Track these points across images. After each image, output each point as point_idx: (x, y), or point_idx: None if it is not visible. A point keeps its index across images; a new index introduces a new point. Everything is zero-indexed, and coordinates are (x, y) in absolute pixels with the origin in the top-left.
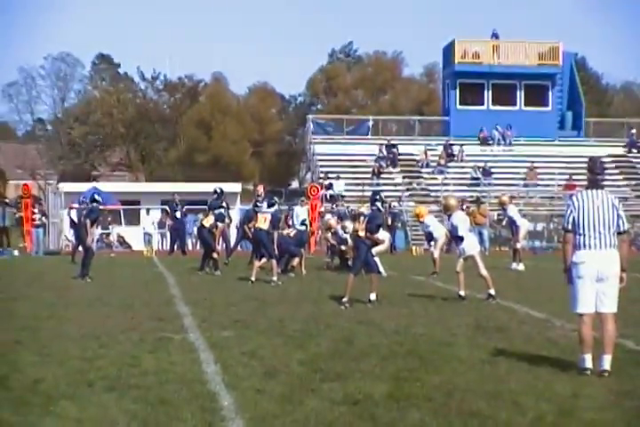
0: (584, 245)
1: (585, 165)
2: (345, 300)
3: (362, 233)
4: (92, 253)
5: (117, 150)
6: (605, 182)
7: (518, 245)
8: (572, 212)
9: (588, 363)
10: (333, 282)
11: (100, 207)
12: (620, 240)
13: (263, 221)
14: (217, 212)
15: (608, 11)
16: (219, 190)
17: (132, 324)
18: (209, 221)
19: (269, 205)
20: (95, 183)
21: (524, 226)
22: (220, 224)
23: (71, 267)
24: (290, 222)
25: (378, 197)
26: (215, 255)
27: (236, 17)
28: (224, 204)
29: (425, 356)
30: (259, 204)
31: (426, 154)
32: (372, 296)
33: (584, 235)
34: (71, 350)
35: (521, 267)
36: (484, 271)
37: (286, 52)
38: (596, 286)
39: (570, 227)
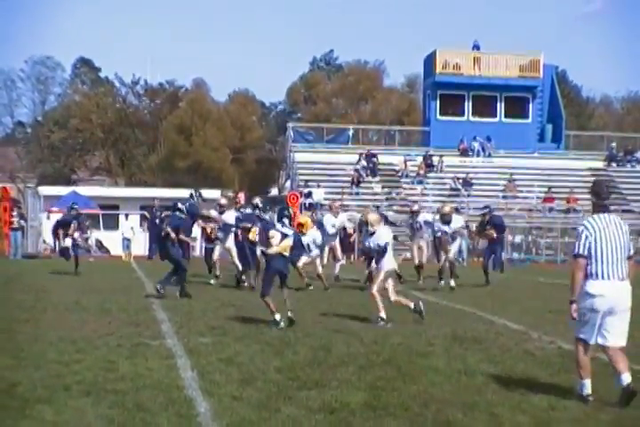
0: (600, 275)
1: (565, 179)
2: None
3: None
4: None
5: (97, 155)
6: (584, 196)
7: (451, 255)
8: (587, 237)
9: (589, 389)
10: (311, 291)
11: (183, 216)
12: (629, 265)
13: (254, 235)
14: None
15: (589, 24)
16: (195, 194)
17: (110, 329)
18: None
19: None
20: (74, 187)
21: (459, 241)
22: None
23: (47, 270)
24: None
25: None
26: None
27: (218, 24)
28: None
29: (402, 366)
30: (263, 214)
31: (405, 164)
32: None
33: (600, 262)
34: (48, 353)
35: (452, 283)
36: (392, 296)
37: (267, 60)
38: (605, 319)
39: (585, 253)
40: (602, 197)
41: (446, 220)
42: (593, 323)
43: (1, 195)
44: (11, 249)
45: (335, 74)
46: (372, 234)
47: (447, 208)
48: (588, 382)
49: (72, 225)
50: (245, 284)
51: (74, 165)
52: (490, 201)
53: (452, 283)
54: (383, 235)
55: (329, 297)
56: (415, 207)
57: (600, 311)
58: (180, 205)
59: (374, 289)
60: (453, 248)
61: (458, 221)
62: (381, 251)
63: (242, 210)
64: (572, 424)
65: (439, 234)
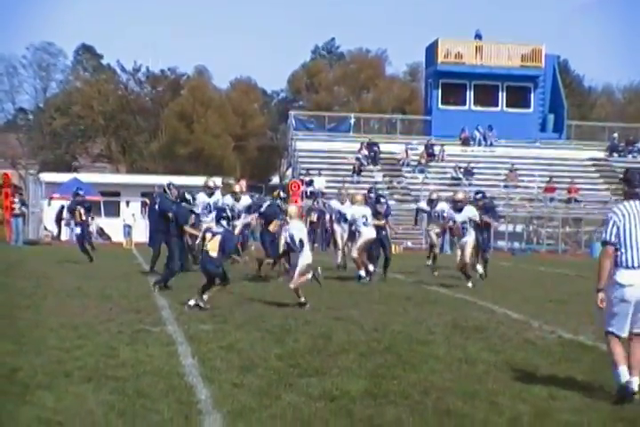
0: (630, 264)
1: (567, 168)
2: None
3: None
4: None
5: (98, 141)
6: (585, 186)
7: (354, 254)
8: (615, 223)
9: (627, 375)
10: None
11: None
12: None
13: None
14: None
15: (591, 14)
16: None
17: (111, 315)
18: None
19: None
20: (76, 174)
21: (367, 235)
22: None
23: (48, 257)
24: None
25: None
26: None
27: (220, 12)
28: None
29: (402, 354)
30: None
31: (407, 153)
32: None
33: (630, 250)
34: (49, 339)
35: (470, 284)
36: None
37: (269, 48)
38: (637, 309)
39: (613, 240)
40: (633, 184)
41: (458, 207)
42: (624, 314)
43: (2, 181)
44: (12, 235)
45: (337, 62)
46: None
47: (460, 195)
48: (624, 369)
49: (77, 211)
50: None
51: (75, 152)
52: (491, 190)
53: (470, 284)
54: (295, 229)
55: (329, 285)
56: (434, 196)
57: (631, 302)
58: (187, 195)
59: (292, 284)
60: (468, 248)
61: (470, 211)
62: (296, 245)
63: (254, 198)
64: (573, 414)
65: (450, 223)
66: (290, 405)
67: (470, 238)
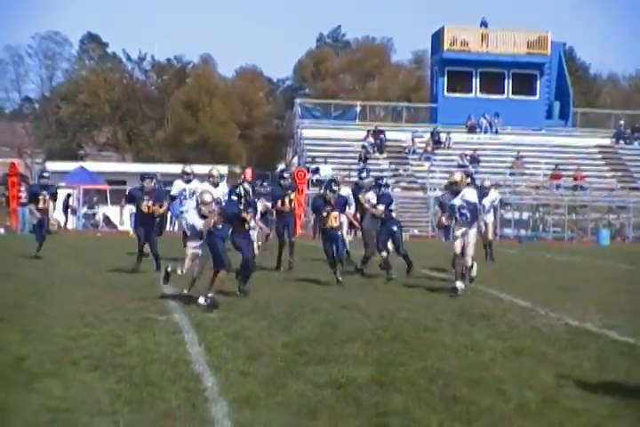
0: None
1: (573, 156)
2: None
3: None
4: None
5: (105, 130)
6: (591, 173)
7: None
8: None
9: None
10: (318, 267)
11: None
12: None
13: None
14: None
15: (596, 1)
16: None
17: (118, 304)
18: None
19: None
20: (82, 163)
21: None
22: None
23: (55, 246)
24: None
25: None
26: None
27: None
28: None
29: (409, 341)
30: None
31: (413, 140)
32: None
33: None
34: (55, 328)
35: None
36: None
37: (274, 36)
38: None
39: None
40: None
41: (455, 190)
42: None
43: (9, 170)
44: (19, 224)
45: (343, 50)
46: None
47: (457, 176)
48: None
49: (41, 197)
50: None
51: (81, 141)
52: (497, 178)
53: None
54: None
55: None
56: (487, 183)
57: None
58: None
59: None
60: (470, 245)
61: (470, 194)
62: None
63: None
64: (580, 401)
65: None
66: (296, 393)
67: (473, 230)
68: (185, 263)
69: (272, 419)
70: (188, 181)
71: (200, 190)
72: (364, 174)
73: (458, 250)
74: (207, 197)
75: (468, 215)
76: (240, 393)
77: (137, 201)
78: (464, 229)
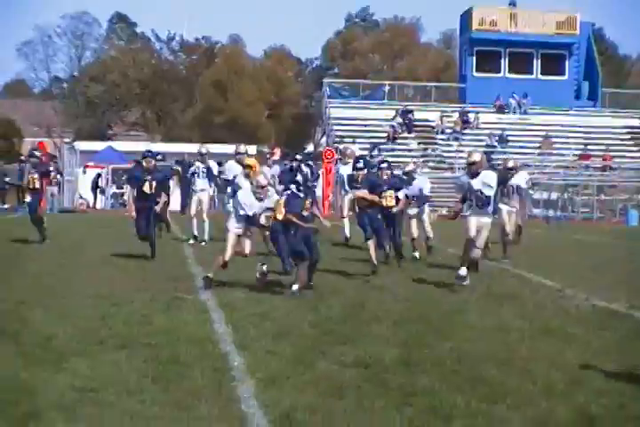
0: None
1: (601, 136)
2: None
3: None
4: None
5: (133, 110)
6: (620, 153)
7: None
8: None
9: None
10: (345, 247)
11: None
12: None
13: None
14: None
15: None
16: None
17: (145, 283)
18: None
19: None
20: (110, 142)
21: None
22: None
23: (83, 226)
24: None
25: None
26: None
27: None
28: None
29: (435, 322)
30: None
31: (441, 120)
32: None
33: None
34: (83, 308)
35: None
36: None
37: (303, 16)
38: None
39: None
40: None
41: (474, 171)
42: None
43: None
44: (47, 204)
45: (371, 30)
46: None
47: (477, 155)
48: None
49: (30, 177)
50: None
51: (110, 121)
52: (525, 158)
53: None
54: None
55: (359, 253)
56: (510, 164)
57: None
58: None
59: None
60: (484, 232)
61: (488, 176)
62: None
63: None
64: (606, 382)
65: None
66: (323, 372)
67: (488, 220)
68: (227, 251)
69: (298, 398)
70: (203, 162)
71: (255, 173)
72: (375, 152)
73: (472, 233)
74: (263, 181)
75: (484, 200)
76: (266, 372)
77: (138, 182)
78: (478, 217)
